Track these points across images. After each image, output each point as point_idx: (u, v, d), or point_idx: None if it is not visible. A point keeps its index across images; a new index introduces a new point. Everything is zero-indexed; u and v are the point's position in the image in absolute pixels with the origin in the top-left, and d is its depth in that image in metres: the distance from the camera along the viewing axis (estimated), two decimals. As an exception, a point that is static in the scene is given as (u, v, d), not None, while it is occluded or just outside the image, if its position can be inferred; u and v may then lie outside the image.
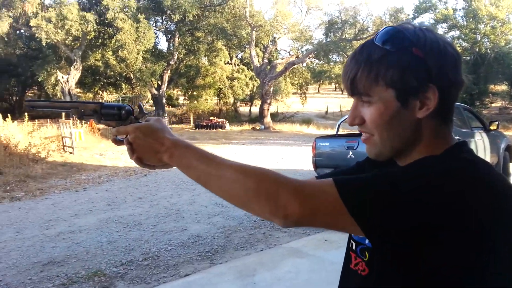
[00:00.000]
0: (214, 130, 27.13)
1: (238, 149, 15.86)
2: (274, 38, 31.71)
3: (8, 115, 12.85)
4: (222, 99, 38.38)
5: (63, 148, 13.55)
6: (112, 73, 30.62)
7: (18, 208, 6.73)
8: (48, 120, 17.36)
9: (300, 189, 0.71)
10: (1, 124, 11.92)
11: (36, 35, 24.79)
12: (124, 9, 26.25)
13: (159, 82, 32.16)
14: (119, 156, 12.61)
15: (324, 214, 0.70)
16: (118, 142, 0.93)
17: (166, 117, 30.50)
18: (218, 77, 33.79)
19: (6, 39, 26.84)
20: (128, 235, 5.26)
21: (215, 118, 31.58)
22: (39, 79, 28.32)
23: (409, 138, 0.76)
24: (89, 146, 14.90)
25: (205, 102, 36.91)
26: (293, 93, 42.08)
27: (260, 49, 33.84)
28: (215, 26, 28.99)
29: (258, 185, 0.72)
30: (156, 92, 31.89)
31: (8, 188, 8.14)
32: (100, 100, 37.13)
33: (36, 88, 35.97)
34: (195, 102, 36.45)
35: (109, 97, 37.74)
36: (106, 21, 26.29)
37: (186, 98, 40.15)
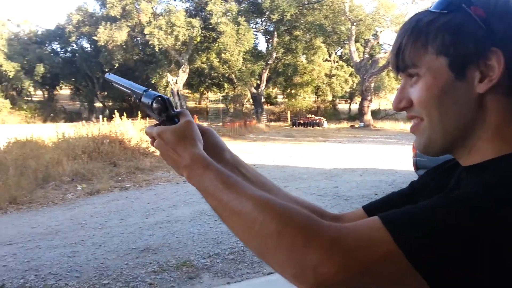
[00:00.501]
0: (311, 127, 26.88)
1: (334, 147, 15.46)
2: (376, 32, 30.22)
3: (124, 113, 14.26)
4: (320, 97, 37.90)
5: (169, 144, 14.61)
6: (215, 74, 32.28)
7: (125, 197, 7.41)
8: (158, 118, 18.88)
9: (338, 241, 0.50)
10: (118, 122, 13.31)
11: (150, 41, 27.29)
12: (226, 13, 27.46)
13: (258, 82, 32.97)
14: (217, 153, 13.19)
15: (380, 275, 0.50)
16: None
17: (265, 115, 31.21)
18: (316, 75, 33.42)
19: (124, 46, 30.01)
20: (218, 228, 5.40)
21: (313, 115, 31.26)
22: (152, 82, 31.19)
23: (468, 121, 0.60)
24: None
25: (303, 100, 36.84)
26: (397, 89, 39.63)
27: (361, 44, 32.60)
28: (313, 24, 28.70)
29: (281, 232, 0.53)
30: (255, 91, 32.77)
31: (119, 178, 9.05)
32: (204, 98, 39.10)
33: (152, 89, 39.58)
34: (293, 100, 36.62)
35: (214, 96, 40.03)
36: (210, 26, 27.83)
37: (284, 96, 40.54)
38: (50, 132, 12.26)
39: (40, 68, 32.60)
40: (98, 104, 39.05)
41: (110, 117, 13.84)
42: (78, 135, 11.62)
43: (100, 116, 17.46)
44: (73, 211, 6.58)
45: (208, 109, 39.33)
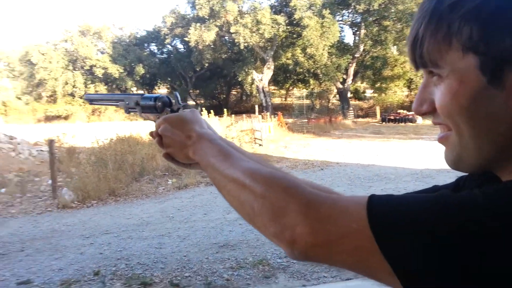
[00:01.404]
0: (403, 124, 25.36)
1: (428, 145, 14.37)
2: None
3: (212, 111, 14.89)
4: (413, 91, 35.53)
5: (254, 141, 14.92)
6: (301, 69, 32.10)
7: (210, 192, 7.70)
8: (244, 115, 19.41)
9: (315, 204, 0.50)
10: (206, 118, 13.94)
11: (236, 40, 28.09)
12: (311, 7, 27.09)
13: (344, 76, 32.03)
14: (300, 149, 13.11)
15: (343, 249, 0.48)
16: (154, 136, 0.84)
17: (351, 111, 30.24)
18: (408, 67, 31.37)
19: (213, 46, 31.28)
20: (297, 228, 5.33)
21: (405, 111, 29.45)
22: (239, 79, 32.12)
23: (506, 138, 0.48)
24: (276, 139, 15.99)
25: (394, 94, 34.88)
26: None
27: (461, 32, 29.78)
28: (404, 13, 26.95)
29: (264, 194, 0.54)
30: (341, 86, 31.91)
31: (205, 174, 9.44)
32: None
33: (238, 87, 40.91)
34: (383, 94, 34.85)
35: (299, 92, 39.92)
36: (294, 21, 27.72)
37: (373, 91, 38.84)
38: (148, 129, 13.27)
39: (140, 69, 35.54)
40: (191, 102, 41.40)
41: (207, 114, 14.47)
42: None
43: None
44: (163, 204, 7.02)
45: (293, 105, 39.31)
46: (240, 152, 0.78)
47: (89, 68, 35.61)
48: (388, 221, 0.45)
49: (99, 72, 35.06)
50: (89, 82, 36.04)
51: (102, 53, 38.47)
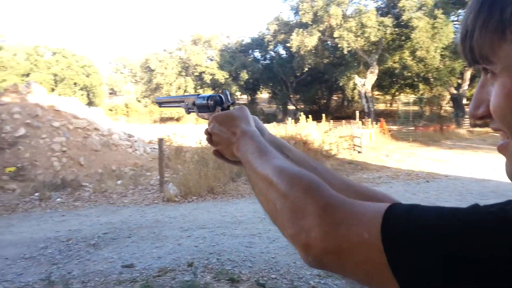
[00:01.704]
0: (529, 135, 22.18)
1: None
2: None
3: (310, 116, 14.80)
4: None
5: (353, 147, 14.44)
6: (409, 74, 30.23)
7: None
8: (343, 121, 18.94)
9: (333, 208, 0.48)
10: (304, 123, 13.92)
11: (339, 44, 27.58)
12: (421, 8, 25.35)
13: (459, 81, 29.27)
14: (404, 159, 12.31)
15: (354, 260, 0.45)
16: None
17: (467, 119, 27.46)
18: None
19: (314, 51, 31.16)
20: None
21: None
22: (340, 84, 31.47)
23: None
24: (378, 146, 15.26)
25: (519, 101, 30.75)
26: None
27: None
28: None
29: (286, 193, 0.53)
30: (455, 91, 29.23)
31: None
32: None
33: (340, 92, 40.16)
34: (506, 101, 30.95)
35: (406, 98, 37.62)
36: (402, 23, 26.22)
37: (494, 97, 34.68)
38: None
39: (244, 75, 37.07)
40: (291, 107, 41.85)
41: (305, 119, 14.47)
42: (268, 135, 12.65)
43: (290, 118, 18.61)
44: (256, 205, 7.16)
45: (399, 112, 37.19)
46: (287, 150, 0.80)
47: (198, 74, 38.28)
48: (402, 235, 0.42)
49: (207, 78, 37.47)
50: (199, 87, 38.73)
51: (211, 60, 41.04)
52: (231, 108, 0.89)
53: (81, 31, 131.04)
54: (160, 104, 1.16)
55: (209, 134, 0.80)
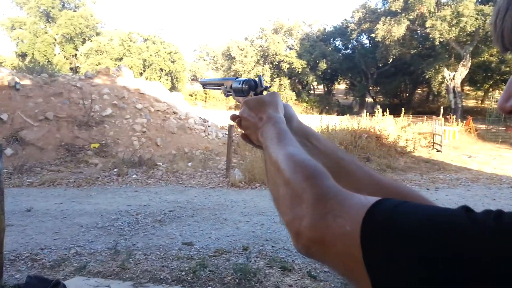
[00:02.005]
0: None
1: None
2: None
3: (387, 109, 14.11)
4: None
5: (433, 145, 13.52)
6: (507, 68, 27.36)
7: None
8: (425, 116, 17.75)
9: (325, 198, 0.47)
10: (380, 117, 13.31)
11: (430, 34, 25.74)
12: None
13: None
14: (489, 161, 11.23)
15: (335, 251, 0.44)
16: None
17: None
18: None
19: (401, 41, 29.44)
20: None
21: None
22: (426, 77, 29.45)
23: None
24: (461, 146, 14.11)
25: None
26: None
27: None
28: None
29: (289, 179, 0.53)
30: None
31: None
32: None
33: (425, 85, 37.66)
34: None
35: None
36: (505, 11, 23.66)
37: None
38: (319, 123, 13.55)
39: (323, 64, 36.38)
40: (370, 99, 40.26)
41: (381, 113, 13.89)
42: (340, 128, 12.33)
43: (365, 111, 17.93)
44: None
45: (491, 109, 33.89)
46: (314, 139, 0.80)
47: (277, 63, 38.38)
48: (380, 231, 0.40)
49: (284, 67, 37.43)
50: (275, 75, 38.87)
51: (290, 49, 40.87)
52: (265, 93, 0.90)
53: (171, 19, 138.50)
54: (204, 85, 1.19)
55: (240, 118, 0.81)
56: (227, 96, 1.03)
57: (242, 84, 0.91)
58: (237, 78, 0.96)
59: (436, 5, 26.44)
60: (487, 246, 0.35)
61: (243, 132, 0.80)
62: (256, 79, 0.91)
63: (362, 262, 0.40)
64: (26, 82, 10.97)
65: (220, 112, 30.44)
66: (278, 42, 38.86)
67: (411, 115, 15.94)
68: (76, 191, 6.97)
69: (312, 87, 43.73)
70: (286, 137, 0.66)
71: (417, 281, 0.37)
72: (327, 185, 0.49)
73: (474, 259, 0.35)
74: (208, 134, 12.31)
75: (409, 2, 27.23)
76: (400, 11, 28.02)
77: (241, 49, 39.22)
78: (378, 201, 0.43)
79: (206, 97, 35.89)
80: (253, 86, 0.90)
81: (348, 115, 21.55)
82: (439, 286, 0.36)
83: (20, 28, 39.11)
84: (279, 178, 0.56)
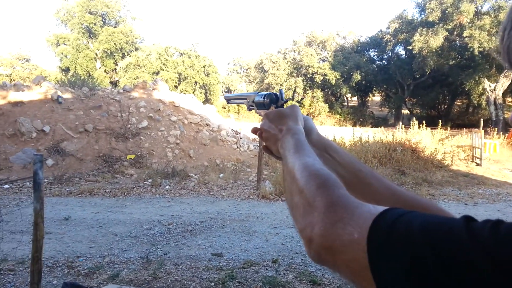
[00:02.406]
0: None
1: None
2: None
3: (424, 121, 13.72)
4: None
5: (472, 159, 12.99)
6: (553, 79, 25.96)
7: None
8: (464, 129, 17.10)
9: (336, 206, 0.49)
10: (416, 129, 12.96)
11: (469, 44, 24.94)
12: None
13: None
14: (534, 176, 10.64)
15: (344, 258, 0.46)
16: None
17: None
18: None
19: (439, 51, 28.64)
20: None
21: None
22: (466, 88, 28.43)
23: None
24: (502, 159, 13.47)
25: None
26: None
27: None
28: None
29: (303, 188, 0.56)
30: None
31: (404, 188, 8.79)
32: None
33: (465, 97, 36.35)
34: None
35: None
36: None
37: None
38: (352, 135, 13.37)
39: (357, 76, 35.92)
40: (406, 111, 39.27)
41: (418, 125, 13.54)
42: (374, 140, 12.10)
43: (400, 123, 17.49)
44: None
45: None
46: (333, 151, 0.82)
47: (310, 75, 38.29)
48: (384, 237, 0.42)
49: (318, 78, 37.27)
50: (308, 87, 38.75)
51: (324, 61, 40.69)
52: (285, 106, 0.92)
53: (206, 33, 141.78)
54: (228, 100, 1.22)
55: (261, 130, 0.84)
56: (250, 110, 1.05)
57: (264, 98, 0.94)
58: (259, 92, 0.98)
59: (475, 14, 25.63)
60: (479, 254, 0.36)
61: (264, 143, 0.83)
62: (277, 92, 0.94)
63: (368, 268, 0.42)
64: (68, 95, 11.54)
65: (252, 124, 30.59)
66: (311, 55, 38.81)
67: (449, 128, 15.36)
68: (112, 200, 7.20)
69: (345, 99, 43.21)
70: (303, 147, 0.68)
71: (415, 285, 0.38)
72: (338, 194, 0.51)
73: (465, 265, 0.36)
74: (240, 146, 12.41)
75: (447, 12, 26.56)
76: (437, 21, 27.37)
77: (273, 62, 39.45)
78: (385, 210, 0.45)
79: (238, 110, 36.24)
80: (274, 100, 0.92)
81: (382, 127, 21.10)
82: None
83: (64, 44, 41.23)
84: (294, 187, 0.58)
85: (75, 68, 38.87)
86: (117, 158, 9.62)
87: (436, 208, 0.68)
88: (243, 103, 1.09)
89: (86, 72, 37.77)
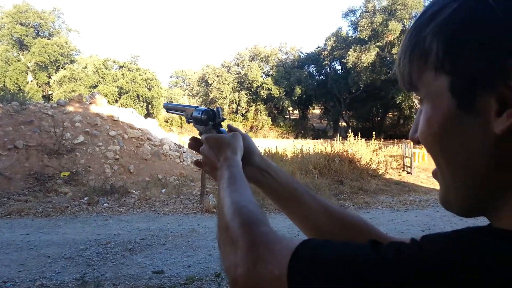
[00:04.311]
0: None
1: None
2: None
3: (359, 133, 14.47)
4: None
5: (403, 168, 13.88)
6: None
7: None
8: (396, 140, 18.26)
9: (257, 245, 0.48)
10: (352, 141, 13.61)
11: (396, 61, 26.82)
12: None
13: None
14: (457, 182, 11.61)
15: None
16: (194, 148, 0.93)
17: None
18: None
19: (371, 67, 30.52)
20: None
21: None
22: (397, 102, 30.45)
23: (487, 175, 0.40)
24: (430, 168, 14.50)
25: None
26: None
27: None
28: None
29: (228, 225, 0.54)
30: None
31: (341, 197, 9.21)
32: None
33: (396, 110, 38.84)
34: None
35: None
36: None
37: None
38: (292, 148, 13.75)
39: (298, 90, 37.12)
40: (343, 124, 41.14)
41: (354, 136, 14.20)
42: (314, 152, 12.54)
43: (338, 135, 18.29)
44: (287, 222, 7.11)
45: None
46: (272, 171, 0.83)
47: (255, 89, 38.94)
48: (302, 270, 0.42)
49: (263, 93, 37.99)
50: (251, 101, 39.33)
51: (267, 75, 41.62)
52: (222, 124, 0.93)
53: (146, 46, 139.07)
54: (168, 109, 1.19)
55: (197, 148, 0.86)
56: (188, 123, 1.03)
57: (201, 114, 0.92)
58: (197, 107, 0.97)
59: (402, 32, 27.65)
60: (382, 278, 0.37)
61: (204, 169, 0.84)
62: (215, 109, 0.93)
63: None
64: (-5, 110, 10.73)
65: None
66: (256, 69, 39.53)
67: (382, 139, 16.33)
68: (44, 221, 6.77)
69: (288, 112, 44.37)
70: (236, 181, 0.67)
71: None
72: (260, 232, 0.50)
73: None
74: (183, 160, 12.26)
75: (377, 30, 28.41)
76: (369, 38, 29.17)
77: (218, 76, 39.63)
78: (302, 243, 0.45)
79: (181, 123, 35.79)
80: (212, 117, 0.91)
81: (322, 139, 21.88)
82: None
83: (-9, 55, 38.46)
84: (221, 223, 0.57)
85: (4, 81, 36.30)
86: (50, 176, 9.07)
87: (363, 223, 0.73)
88: (182, 114, 1.08)
89: (16, 85, 35.40)
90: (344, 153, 12.17)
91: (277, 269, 0.44)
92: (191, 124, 1.00)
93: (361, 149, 12.89)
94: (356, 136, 13.70)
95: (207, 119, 0.91)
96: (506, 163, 0.38)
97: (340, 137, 15.03)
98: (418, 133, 0.46)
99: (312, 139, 30.07)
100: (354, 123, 40.11)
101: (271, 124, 38.71)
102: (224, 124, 0.94)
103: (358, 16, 34.12)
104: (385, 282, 0.36)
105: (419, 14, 0.46)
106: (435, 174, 0.47)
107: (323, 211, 0.76)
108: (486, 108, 0.38)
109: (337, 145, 13.19)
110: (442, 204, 0.48)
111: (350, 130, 16.76)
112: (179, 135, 22.09)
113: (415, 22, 0.45)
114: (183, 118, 1.10)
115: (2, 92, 16.05)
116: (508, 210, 0.40)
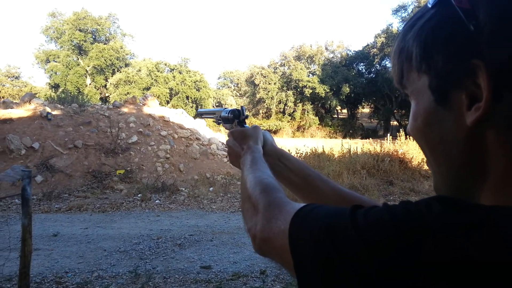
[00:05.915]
0: None
1: None
2: None
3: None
4: None
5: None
6: None
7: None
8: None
9: (271, 206, 0.58)
10: (403, 140, 13.15)
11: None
12: None
13: None
14: None
15: (275, 247, 0.53)
16: None
17: None
18: None
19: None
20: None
21: None
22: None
23: (463, 165, 0.45)
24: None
25: None
26: None
27: None
28: None
29: (250, 194, 0.65)
30: None
31: (391, 198, 8.94)
32: None
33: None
34: None
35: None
36: None
37: None
38: (340, 147, 13.52)
39: (346, 89, 36.40)
40: (395, 123, 39.75)
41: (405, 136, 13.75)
42: (362, 151, 12.26)
43: (389, 134, 17.74)
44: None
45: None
46: (285, 159, 0.91)
47: (300, 88, 38.71)
48: (298, 227, 0.49)
49: (307, 92, 37.67)
50: (298, 101, 39.10)
51: (313, 74, 41.20)
52: (246, 121, 1.05)
53: (195, 48, 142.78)
54: (201, 115, 1.33)
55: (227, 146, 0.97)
56: (218, 124, 1.16)
57: (228, 114, 1.06)
58: (225, 108, 1.10)
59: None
60: (354, 243, 0.40)
61: (229, 160, 0.96)
62: (240, 108, 1.05)
63: (290, 257, 0.49)
64: (57, 112, 11.56)
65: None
66: (301, 69, 39.26)
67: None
68: (101, 216, 7.20)
69: (335, 111, 43.63)
70: (257, 163, 0.78)
71: (319, 267, 0.43)
72: (275, 197, 0.60)
73: (346, 253, 0.41)
74: (230, 160, 12.46)
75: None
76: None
77: (264, 76, 39.82)
78: (305, 205, 0.52)
79: (231, 124, 36.44)
80: (237, 115, 1.04)
81: (371, 138, 21.31)
82: (312, 273, 0.44)
83: (54, 60, 41.24)
84: (245, 194, 0.68)
85: (65, 84, 38.81)
86: (106, 173, 9.62)
87: (373, 204, 0.76)
88: (213, 118, 1.20)
89: (76, 88, 37.73)
90: (395, 153, 11.79)
91: (283, 224, 0.52)
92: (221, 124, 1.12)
93: (412, 149, 12.42)
94: (407, 135, 13.21)
95: (233, 117, 1.04)
96: (477, 152, 0.43)
97: (391, 137, 14.57)
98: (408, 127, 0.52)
99: (361, 138, 29.36)
100: (406, 122, 38.53)
101: (318, 124, 38.28)
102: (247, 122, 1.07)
103: (410, 12, 32.96)
104: (348, 243, 0.41)
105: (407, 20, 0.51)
106: (427, 164, 0.53)
107: (336, 195, 0.82)
108: (459, 103, 0.43)
109: (387, 145, 12.80)
110: (434, 191, 0.52)
111: (401, 129, 16.20)
112: (226, 136, 22.44)
113: (403, 26, 0.51)
114: None
115: (63, 95, 17.20)
116: (484, 196, 0.44)
